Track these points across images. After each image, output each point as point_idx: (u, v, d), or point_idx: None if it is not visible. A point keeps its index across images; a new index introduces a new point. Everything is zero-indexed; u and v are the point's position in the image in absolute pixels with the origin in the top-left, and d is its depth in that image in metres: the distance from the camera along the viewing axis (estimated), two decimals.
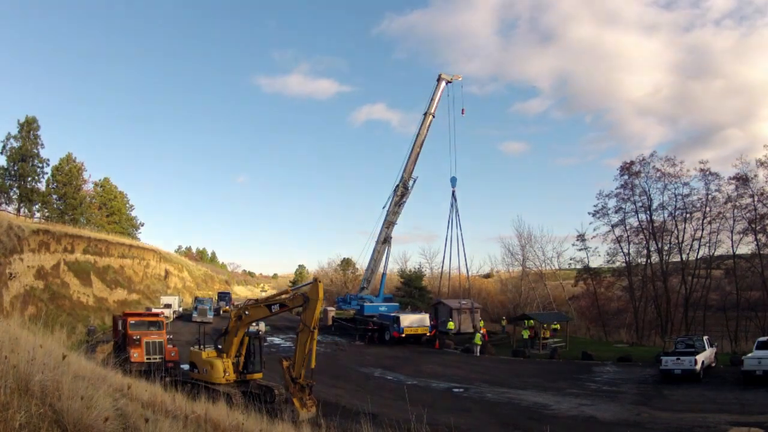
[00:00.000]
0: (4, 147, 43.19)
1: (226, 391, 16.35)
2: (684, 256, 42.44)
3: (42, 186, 46.18)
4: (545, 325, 35.67)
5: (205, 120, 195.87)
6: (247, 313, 17.57)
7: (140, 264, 56.66)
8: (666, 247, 43.38)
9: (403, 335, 36.59)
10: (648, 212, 43.90)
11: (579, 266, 48.84)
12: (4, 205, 42.79)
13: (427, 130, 45.85)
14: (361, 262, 55.53)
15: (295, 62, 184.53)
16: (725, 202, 39.98)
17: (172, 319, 42.30)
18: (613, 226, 45.50)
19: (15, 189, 43.86)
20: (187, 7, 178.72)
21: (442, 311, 42.31)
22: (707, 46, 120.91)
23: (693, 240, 41.98)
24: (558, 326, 37.20)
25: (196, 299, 53.11)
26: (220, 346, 18.45)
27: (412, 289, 55.17)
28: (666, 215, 43.66)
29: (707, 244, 41.35)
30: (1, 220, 29.78)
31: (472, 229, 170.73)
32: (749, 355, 20.93)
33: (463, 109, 46.55)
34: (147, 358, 21.21)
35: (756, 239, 38.10)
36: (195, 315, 43.88)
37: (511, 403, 19.07)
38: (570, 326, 37.86)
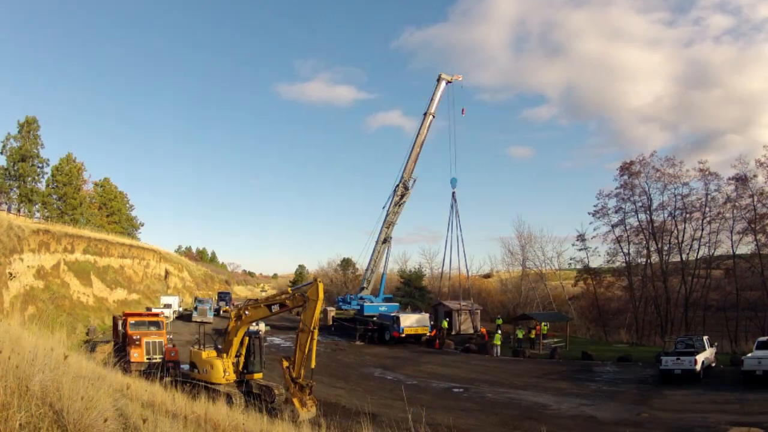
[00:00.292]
0: (4, 147, 43.20)
1: (226, 391, 16.36)
2: (684, 256, 42.46)
3: (42, 186, 46.19)
4: (539, 324, 35.31)
5: (207, 121, 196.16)
6: (247, 313, 17.56)
7: (140, 264, 56.66)
8: (666, 247, 43.40)
9: (403, 335, 36.60)
10: (648, 212, 43.94)
11: (579, 266, 48.89)
12: (4, 205, 42.79)
13: (427, 130, 45.90)
14: (361, 262, 55.61)
15: (315, 71, 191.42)
16: (725, 203, 40.02)
17: (172, 319, 42.32)
18: (613, 226, 45.55)
19: (15, 189, 43.85)
20: (195, 16, 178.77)
21: (441, 312, 42.34)
22: (707, 60, 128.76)
23: (693, 240, 42.03)
24: (547, 326, 36.52)
25: (196, 299, 53.11)
26: (219, 347, 18.45)
27: (412, 289, 55.20)
28: (666, 215, 43.73)
29: (707, 244, 41.41)
30: (1, 220, 29.77)
31: (473, 229, 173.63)
32: (749, 355, 20.93)
33: (463, 109, 46.70)
34: (147, 358, 21.20)
35: (755, 239, 38.11)
36: (195, 315, 43.86)
37: (511, 403, 19.07)
38: (570, 326, 37.83)
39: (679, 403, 18.26)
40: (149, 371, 18.58)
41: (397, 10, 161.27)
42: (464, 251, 58.61)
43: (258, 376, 18.30)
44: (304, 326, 15.62)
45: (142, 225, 71.31)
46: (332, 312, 49.16)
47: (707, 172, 40.57)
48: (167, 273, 67.57)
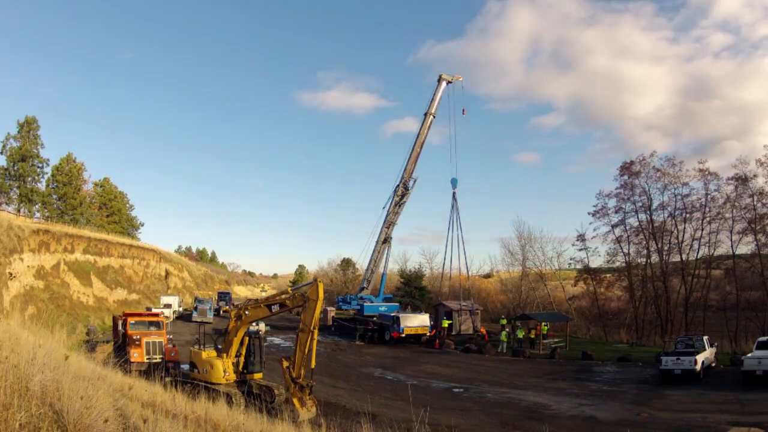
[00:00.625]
0: (4, 147, 43.17)
1: (226, 391, 16.35)
2: (684, 256, 42.43)
3: (42, 186, 46.15)
4: (539, 324, 35.38)
5: (208, 121, 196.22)
6: (246, 313, 17.56)
7: (140, 264, 56.66)
8: (666, 247, 43.36)
9: (403, 335, 36.60)
10: (648, 212, 43.89)
11: (579, 266, 48.85)
12: (4, 205, 42.77)
13: (428, 130, 45.94)
14: (361, 262, 55.61)
15: (336, 81, 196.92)
16: (725, 203, 39.98)
17: (172, 319, 42.31)
18: (613, 226, 45.51)
19: (15, 189, 43.83)
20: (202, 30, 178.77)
21: (442, 312, 42.35)
22: (707, 73, 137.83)
23: (693, 240, 41.99)
24: (547, 327, 36.65)
25: (196, 299, 53.09)
26: (219, 347, 18.44)
27: (412, 289, 55.20)
28: (666, 215, 43.66)
29: (707, 244, 41.37)
30: (1, 220, 29.76)
31: (473, 229, 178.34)
32: (749, 355, 20.94)
33: (463, 109, 46.74)
34: (147, 358, 21.21)
35: (755, 239, 38.08)
36: (195, 315, 43.85)
37: (511, 403, 19.07)
38: (570, 326, 37.84)
39: (679, 403, 18.26)
40: (149, 371, 18.60)
41: (419, 26, 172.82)
42: (464, 251, 58.54)
43: (258, 376, 18.30)
44: (304, 326, 15.61)
45: (142, 225, 71.32)
46: (332, 312, 49.17)
47: (707, 172, 40.57)
48: (167, 273, 67.56)
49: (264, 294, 62.29)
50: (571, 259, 50.75)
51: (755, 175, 37.92)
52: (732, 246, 39.58)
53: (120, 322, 23.82)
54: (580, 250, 48.15)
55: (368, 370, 27.27)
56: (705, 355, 22.48)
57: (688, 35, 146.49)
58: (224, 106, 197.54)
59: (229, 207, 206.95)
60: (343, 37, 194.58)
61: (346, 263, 77.12)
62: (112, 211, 61.82)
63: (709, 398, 18.63)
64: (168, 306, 45.42)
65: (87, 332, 31.07)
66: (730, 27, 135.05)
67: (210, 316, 43.58)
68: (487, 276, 69.59)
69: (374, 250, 46.43)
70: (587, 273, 47.25)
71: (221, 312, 49.99)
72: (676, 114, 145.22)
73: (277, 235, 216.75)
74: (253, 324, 20.31)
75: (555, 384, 22.85)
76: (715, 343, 27.03)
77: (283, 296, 16.95)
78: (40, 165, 44.96)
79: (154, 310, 35.65)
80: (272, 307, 17.06)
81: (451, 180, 45.63)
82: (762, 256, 37.58)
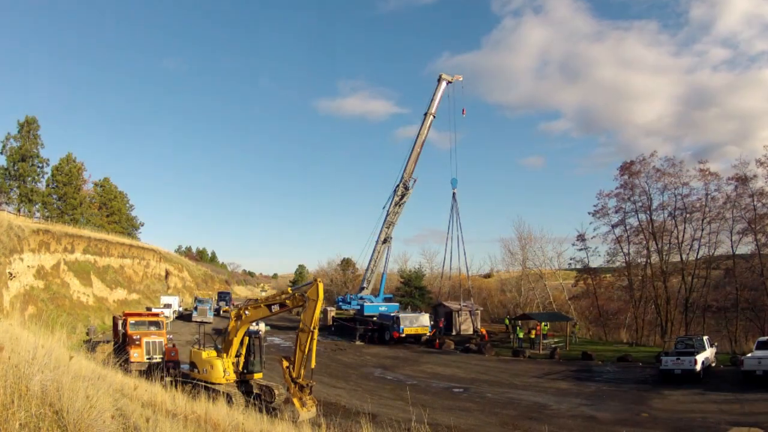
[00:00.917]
0: (4, 147, 43.17)
1: (226, 391, 16.35)
2: (684, 256, 42.36)
3: (42, 186, 46.16)
4: (539, 324, 35.42)
5: (208, 122, 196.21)
6: (247, 313, 17.55)
7: (140, 264, 56.65)
8: (666, 247, 43.29)
9: (403, 335, 36.60)
10: (648, 212, 43.81)
11: (579, 266, 48.75)
12: (4, 205, 42.76)
13: (428, 130, 45.98)
14: (361, 262, 55.62)
15: (355, 90, 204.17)
16: (725, 203, 39.91)
17: (172, 319, 42.31)
18: (613, 226, 45.42)
19: (15, 189, 43.83)
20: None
21: (442, 313, 42.35)
22: (706, 84, 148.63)
23: (693, 240, 41.89)
24: (547, 327, 36.93)
25: (196, 299, 53.09)
26: (219, 347, 18.44)
27: (412, 289, 55.20)
28: (666, 215, 43.58)
29: (707, 244, 41.25)
30: (1, 220, 29.76)
31: (473, 229, 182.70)
32: (749, 355, 20.95)
33: (463, 109, 46.80)
34: (147, 358, 21.20)
35: (755, 239, 38.02)
36: (195, 315, 43.86)
37: (511, 403, 19.07)
38: (570, 326, 37.86)
39: (679, 403, 18.26)
40: (149, 371, 18.59)
41: (438, 39, 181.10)
42: (464, 251, 58.52)
43: (258, 376, 18.30)
44: (304, 326, 15.61)
45: (142, 225, 71.35)
46: (332, 312, 49.16)
47: (707, 173, 40.51)
48: (167, 273, 67.56)
49: (264, 294, 62.27)
50: (571, 259, 50.67)
51: (755, 176, 37.91)
52: (732, 246, 39.55)
53: (120, 322, 23.80)
54: (580, 250, 48.10)
55: (368, 370, 27.27)
56: (705, 355, 22.48)
57: (689, 49, 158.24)
58: (224, 106, 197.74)
59: (230, 207, 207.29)
60: (363, 49, 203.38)
61: (346, 263, 77.13)
62: (112, 211, 61.81)
63: (709, 398, 18.64)
64: (168, 306, 45.44)
65: (87, 332, 31.05)
66: (730, 43, 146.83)
67: (210, 316, 43.59)
68: (487, 276, 69.59)
69: (374, 250, 46.47)
70: (587, 273, 47.18)
71: (221, 312, 50.03)
72: (677, 121, 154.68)
73: (278, 235, 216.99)
74: (253, 324, 20.31)
75: (555, 384, 22.85)
76: (715, 343, 27.03)
77: (283, 296, 16.94)
78: (40, 165, 44.99)
79: (154, 310, 35.64)
80: (272, 307, 17.05)
81: (450, 180, 45.78)
82: (762, 256, 37.51)
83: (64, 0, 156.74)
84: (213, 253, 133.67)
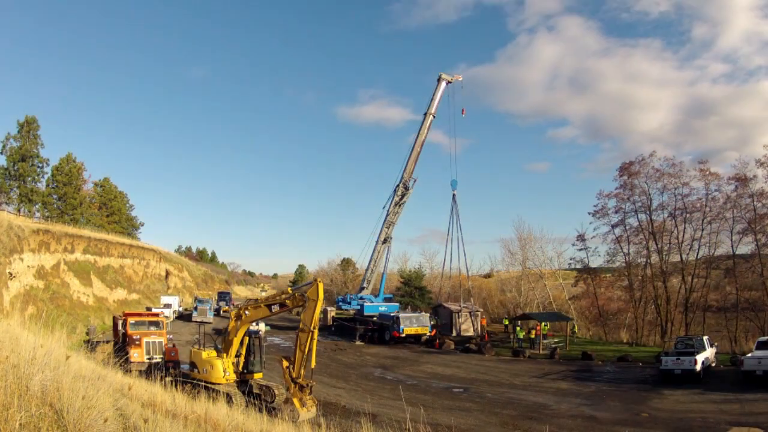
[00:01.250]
0: (4, 147, 43.16)
1: (226, 391, 16.34)
2: (684, 256, 42.35)
3: (42, 186, 46.15)
4: (539, 324, 35.47)
5: (209, 122, 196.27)
6: (247, 313, 17.55)
7: (140, 264, 56.64)
8: (666, 247, 43.28)
9: (403, 335, 36.59)
10: (648, 212, 43.79)
11: (579, 266, 48.75)
12: (4, 205, 42.76)
13: (428, 130, 46.00)
14: (361, 262, 55.60)
15: (373, 98, 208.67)
16: (725, 203, 39.90)
17: (172, 319, 42.31)
18: (612, 226, 45.40)
19: (15, 189, 43.82)
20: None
21: (442, 314, 42.33)
22: (706, 95, 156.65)
23: (693, 240, 41.87)
24: (547, 327, 37.17)
25: (196, 299, 53.09)
26: (219, 347, 18.44)
27: (412, 289, 55.17)
28: (666, 215, 43.56)
29: (707, 245, 41.23)
30: (1, 220, 29.75)
31: (474, 230, 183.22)
32: (749, 355, 20.95)
33: (463, 110, 46.84)
34: (147, 358, 21.20)
35: (755, 239, 37.99)
36: (195, 315, 43.85)
37: (511, 403, 19.07)
38: (570, 326, 37.86)
39: (679, 403, 18.27)
40: (149, 371, 18.58)
41: (455, 51, 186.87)
42: (464, 251, 58.54)
43: (258, 376, 18.29)
44: (304, 326, 15.61)
45: (142, 225, 71.33)
46: (332, 312, 49.16)
47: (707, 173, 40.50)
48: (167, 273, 67.56)
49: (264, 294, 62.27)
50: (571, 259, 50.64)
51: (755, 176, 37.90)
52: (732, 246, 39.53)
53: (120, 322, 23.81)
54: (580, 250, 48.08)
55: (368, 370, 27.27)
56: (705, 355, 22.48)
57: (691, 64, 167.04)
58: (225, 108, 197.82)
59: (230, 207, 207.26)
60: (383, 59, 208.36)
61: (346, 263, 77.11)
62: (112, 211, 61.79)
63: (709, 398, 18.64)
64: (168, 306, 45.45)
65: (87, 332, 31.06)
66: (730, 58, 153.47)
67: (210, 316, 43.58)
68: (487, 276, 69.57)
69: (374, 250, 46.46)
70: (587, 273, 47.18)
71: (221, 312, 50.02)
72: (678, 128, 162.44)
73: (277, 235, 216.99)
74: (253, 324, 20.31)
75: (555, 384, 22.86)
76: (715, 344, 27.03)
77: (283, 296, 16.94)
78: (40, 165, 44.98)
79: (154, 310, 35.65)
80: (272, 307, 17.06)
81: (451, 181, 45.83)
82: (762, 256, 37.49)
83: (64, 0, 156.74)
84: (213, 253, 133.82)
